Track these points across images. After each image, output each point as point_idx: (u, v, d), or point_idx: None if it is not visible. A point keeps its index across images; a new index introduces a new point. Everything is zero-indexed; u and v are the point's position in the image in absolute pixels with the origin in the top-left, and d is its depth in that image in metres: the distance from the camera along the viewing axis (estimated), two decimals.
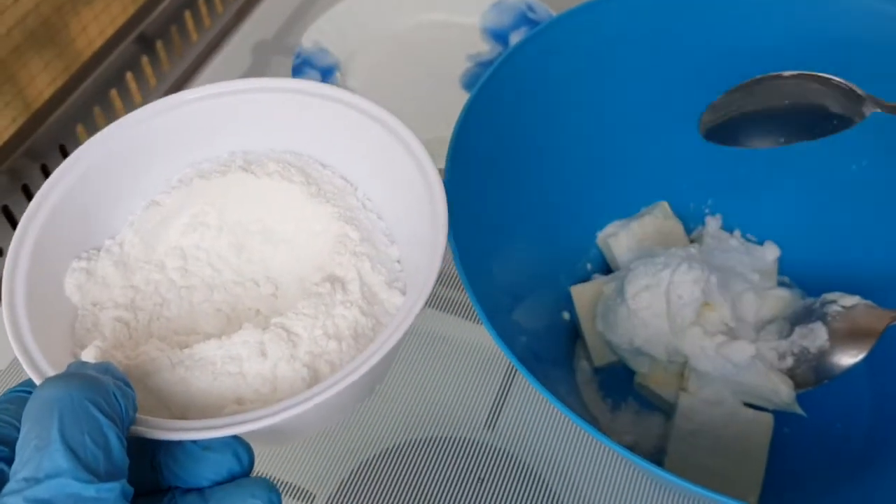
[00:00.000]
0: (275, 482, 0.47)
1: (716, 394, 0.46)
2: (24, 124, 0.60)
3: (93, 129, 0.64)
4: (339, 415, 0.36)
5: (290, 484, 0.47)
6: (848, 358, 0.43)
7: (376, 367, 0.29)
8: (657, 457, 0.46)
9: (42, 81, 0.64)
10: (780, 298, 0.50)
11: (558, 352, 0.50)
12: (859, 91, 0.40)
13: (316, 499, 0.46)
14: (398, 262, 0.35)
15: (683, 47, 0.49)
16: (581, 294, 0.51)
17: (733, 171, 0.53)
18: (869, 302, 0.44)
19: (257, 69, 0.69)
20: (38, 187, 0.59)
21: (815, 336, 0.45)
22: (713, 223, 0.54)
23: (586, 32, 0.48)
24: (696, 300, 0.46)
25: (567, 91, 0.49)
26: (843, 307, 0.44)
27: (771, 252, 0.52)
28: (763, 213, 0.54)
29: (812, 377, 0.45)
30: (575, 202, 0.52)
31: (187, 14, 0.71)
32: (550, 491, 0.45)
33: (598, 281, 0.51)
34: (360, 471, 0.47)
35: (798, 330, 0.46)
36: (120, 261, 0.33)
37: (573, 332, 0.51)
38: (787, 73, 0.41)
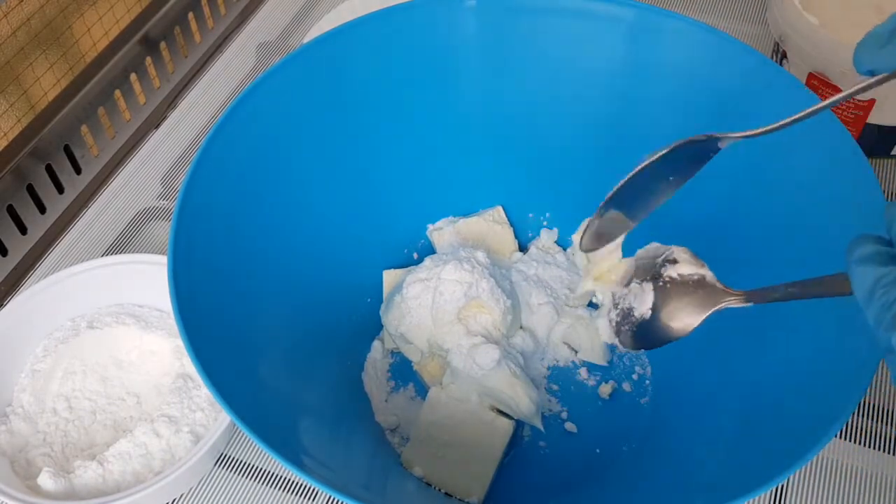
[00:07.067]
0: (278, 478, 0.47)
1: (464, 392, 0.47)
2: (28, 125, 0.60)
3: (97, 130, 0.64)
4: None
5: (293, 481, 0.47)
6: (671, 333, 0.37)
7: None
8: None
9: (47, 82, 0.64)
10: (580, 318, 0.50)
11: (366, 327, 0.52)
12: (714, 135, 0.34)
13: (318, 495, 0.46)
14: None
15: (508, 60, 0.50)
16: (390, 277, 0.52)
17: (564, 189, 0.53)
18: (710, 275, 0.36)
19: (260, 70, 0.69)
20: (43, 187, 0.59)
21: (643, 300, 0.38)
22: (547, 236, 0.55)
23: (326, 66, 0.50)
24: (458, 300, 0.47)
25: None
26: (680, 275, 0.37)
27: None
28: None
29: (630, 342, 0.39)
30: (407, 197, 0.53)
31: (191, 16, 0.72)
32: None
33: (408, 269, 0.52)
34: None
35: (634, 285, 0.39)
36: (25, 416, 0.47)
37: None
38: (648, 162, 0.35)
